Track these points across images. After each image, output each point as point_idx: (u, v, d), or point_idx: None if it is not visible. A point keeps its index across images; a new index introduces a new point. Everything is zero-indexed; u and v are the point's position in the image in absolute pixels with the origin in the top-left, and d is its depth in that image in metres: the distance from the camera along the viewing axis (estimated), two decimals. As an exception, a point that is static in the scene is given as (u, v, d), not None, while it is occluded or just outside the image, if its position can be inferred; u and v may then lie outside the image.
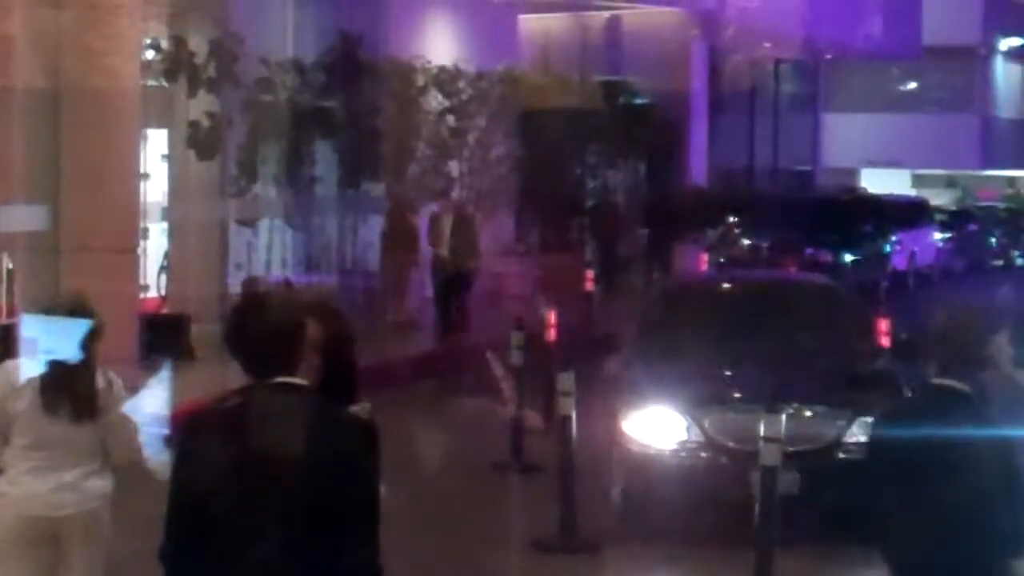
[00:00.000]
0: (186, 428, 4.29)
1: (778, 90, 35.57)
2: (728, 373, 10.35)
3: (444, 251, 19.00)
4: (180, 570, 4.20)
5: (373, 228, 20.59)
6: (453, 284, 18.89)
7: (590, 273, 20.44)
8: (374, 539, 4.21)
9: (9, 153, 13.42)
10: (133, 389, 13.16)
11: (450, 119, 21.59)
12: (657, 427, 9.84)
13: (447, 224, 19.16)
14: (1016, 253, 36.32)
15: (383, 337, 17.22)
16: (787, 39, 31.74)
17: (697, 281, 14.92)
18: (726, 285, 12.82)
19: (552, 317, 13.82)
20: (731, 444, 9.56)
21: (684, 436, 9.76)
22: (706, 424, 9.73)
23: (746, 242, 25.66)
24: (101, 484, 6.38)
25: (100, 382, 6.31)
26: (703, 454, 9.71)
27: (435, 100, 21.46)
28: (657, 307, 11.94)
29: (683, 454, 9.74)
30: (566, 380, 9.96)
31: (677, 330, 11.23)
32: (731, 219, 26.13)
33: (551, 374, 11.16)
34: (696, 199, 25.97)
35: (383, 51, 20.41)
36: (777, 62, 34.67)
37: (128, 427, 6.40)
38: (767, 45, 32.29)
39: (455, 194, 20.71)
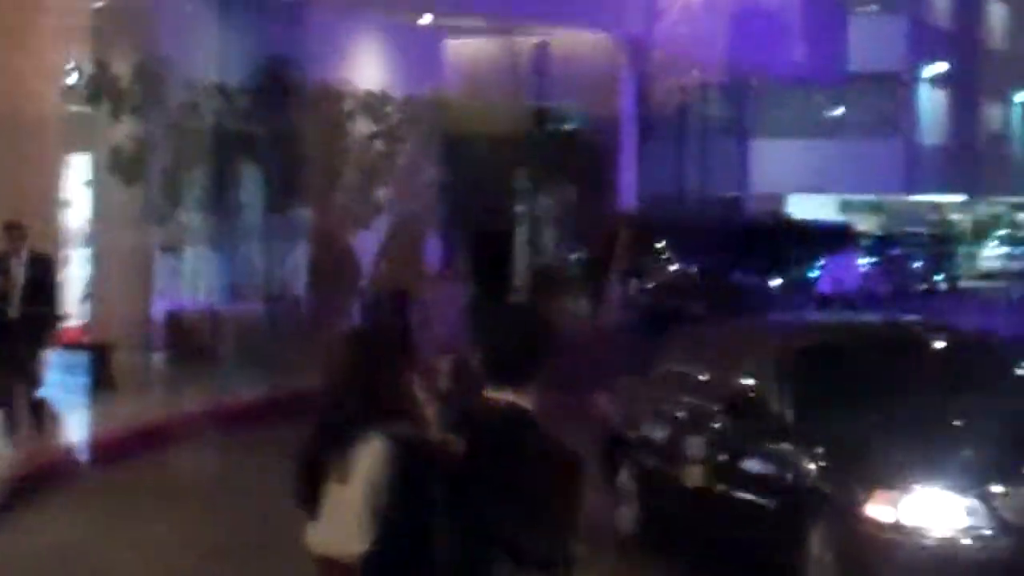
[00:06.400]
0: None
1: (706, 116, 35.72)
2: (962, 439, 8.48)
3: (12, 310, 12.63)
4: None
5: (301, 254, 20.42)
6: (25, 344, 12.67)
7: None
8: None
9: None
10: (52, 417, 13.05)
11: (378, 144, 21.50)
12: (929, 510, 7.82)
13: (17, 267, 12.66)
14: (938, 277, 36.76)
15: (309, 365, 17.01)
16: (713, 64, 31.89)
17: (823, 330, 11.06)
18: (863, 334, 10.26)
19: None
20: None
21: (967, 520, 7.80)
22: (996, 504, 7.83)
23: (674, 268, 25.70)
24: None
25: None
26: (995, 541, 7.80)
27: (363, 125, 21.36)
28: (798, 367, 9.18)
29: (969, 541, 7.77)
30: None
31: (841, 393, 8.81)
32: (659, 245, 26.15)
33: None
34: (625, 225, 25.92)
35: (310, 75, 20.29)
36: (704, 87, 34.81)
37: None
38: (694, 71, 32.45)
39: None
